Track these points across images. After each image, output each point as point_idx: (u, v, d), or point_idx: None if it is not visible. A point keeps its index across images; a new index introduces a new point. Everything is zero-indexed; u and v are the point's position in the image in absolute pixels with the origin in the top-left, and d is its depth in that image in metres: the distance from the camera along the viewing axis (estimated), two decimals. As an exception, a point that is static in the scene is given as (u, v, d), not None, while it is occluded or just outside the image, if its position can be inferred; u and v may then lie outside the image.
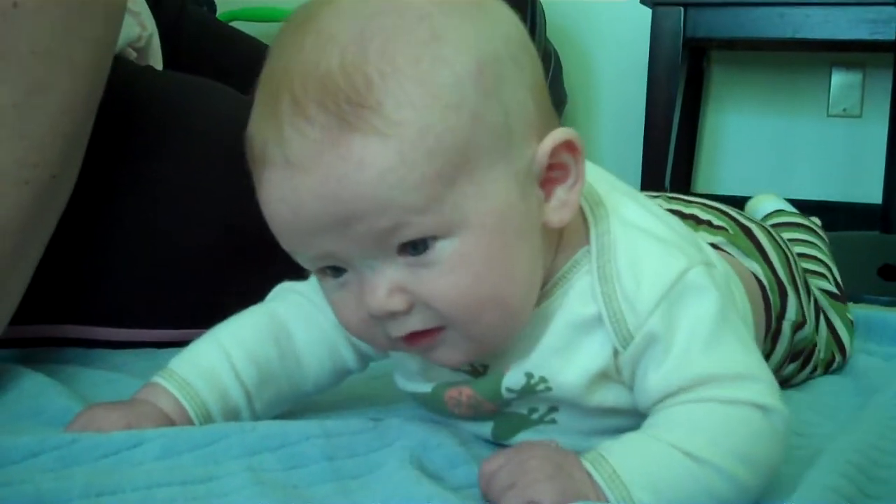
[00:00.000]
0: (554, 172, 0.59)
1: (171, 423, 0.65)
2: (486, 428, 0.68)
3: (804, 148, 2.78)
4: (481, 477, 0.57)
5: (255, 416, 0.69)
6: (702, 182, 2.86)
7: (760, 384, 0.58)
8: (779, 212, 1.21)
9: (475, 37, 0.55)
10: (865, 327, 1.12)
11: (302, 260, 0.59)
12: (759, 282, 0.81)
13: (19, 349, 0.94)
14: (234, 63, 1.28)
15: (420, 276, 0.56)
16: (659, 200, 0.84)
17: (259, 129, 0.55)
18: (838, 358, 0.95)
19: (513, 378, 0.63)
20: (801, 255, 1.03)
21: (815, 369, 0.92)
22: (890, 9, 1.87)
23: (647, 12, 2.47)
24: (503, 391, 0.64)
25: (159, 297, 0.99)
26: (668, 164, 2.50)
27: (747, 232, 0.85)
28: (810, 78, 2.76)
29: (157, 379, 0.67)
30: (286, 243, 0.57)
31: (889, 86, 1.84)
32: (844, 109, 2.74)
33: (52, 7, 0.77)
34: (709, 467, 0.55)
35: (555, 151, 0.58)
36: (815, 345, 0.90)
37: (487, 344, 0.60)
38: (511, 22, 0.59)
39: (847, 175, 2.72)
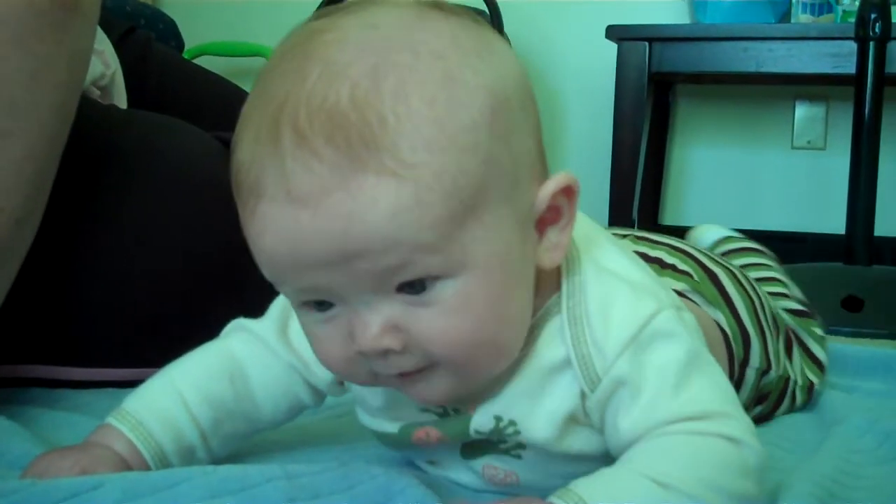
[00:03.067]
0: (547, 214, 0.59)
1: (125, 465, 0.64)
2: (454, 449, 0.67)
3: (769, 180, 2.81)
4: None
5: (211, 454, 0.69)
6: (669, 215, 2.89)
7: (732, 420, 0.58)
8: (727, 238, 1.20)
9: (487, 80, 0.55)
10: (829, 359, 1.13)
11: (286, 291, 0.57)
12: (723, 331, 0.81)
13: (-19, 390, 0.93)
14: (200, 101, 1.29)
15: (417, 316, 0.54)
16: (626, 241, 0.84)
17: (253, 157, 0.53)
18: (817, 381, 0.94)
19: (481, 420, 0.63)
20: (759, 279, 1.03)
21: (793, 400, 0.92)
22: (850, 43, 1.90)
23: (612, 47, 2.49)
24: (471, 432, 0.64)
25: (123, 336, 0.98)
26: (636, 197, 2.52)
27: (713, 277, 0.84)
28: (774, 111, 2.80)
29: (111, 420, 0.67)
30: (273, 275, 0.56)
31: (852, 118, 1.87)
32: (809, 142, 2.78)
33: (16, 54, 0.77)
34: (676, 492, 0.54)
35: (553, 195, 0.58)
36: (787, 379, 0.89)
37: (472, 382, 0.60)
38: (516, 64, 0.59)
39: (811, 206, 2.75)
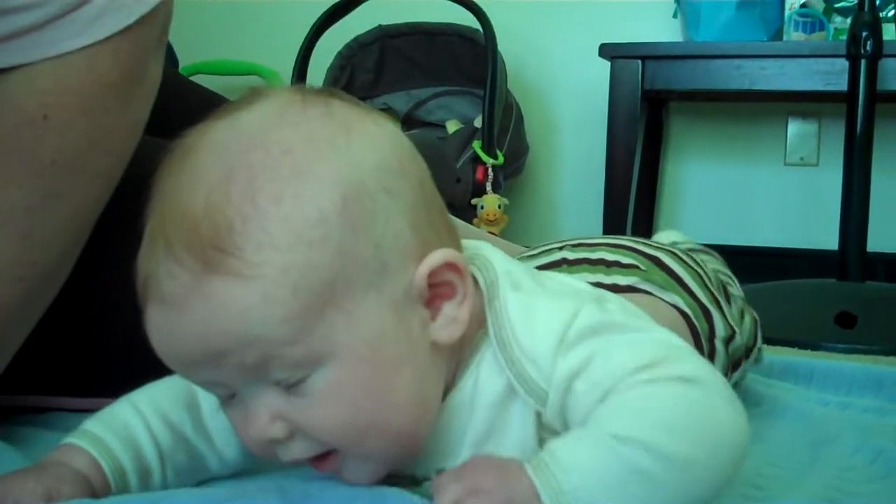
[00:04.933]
0: (440, 289, 0.59)
1: (86, 482, 0.64)
2: None
3: (762, 196, 2.82)
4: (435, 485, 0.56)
5: (166, 481, 0.68)
6: (663, 231, 2.89)
7: (683, 361, 0.58)
8: (673, 244, 1.21)
9: (340, 170, 0.56)
10: (822, 375, 1.13)
11: (191, 382, 0.60)
12: (683, 313, 0.81)
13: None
14: (198, 120, 1.28)
15: (296, 405, 0.56)
16: (564, 252, 0.85)
17: (142, 263, 0.57)
18: (759, 343, 0.95)
19: None
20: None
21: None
22: (842, 61, 1.91)
23: (606, 65, 2.50)
24: None
25: (139, 366, 0.97)
26: (629, 214, 2.52)
27: (658, 262, 0.84)
28: (767, 127, 2.81)
29: (70, 439, 0.66)
30: (173, 369, 0.59)
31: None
32: (801, 158, 2.79)
33: (80, 123, 0.79)
34: (634, 444, 0.53)
35: (435, 272, 0.58)
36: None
37: (386, 464, 0.61)
38: (384, 146, 0.59)
39: (805, 223, 2.76)
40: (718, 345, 0.84)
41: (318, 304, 0.54)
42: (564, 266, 0.84)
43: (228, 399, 0.59)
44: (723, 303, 0.87)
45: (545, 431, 0.62)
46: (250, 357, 0.54)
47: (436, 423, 0.62)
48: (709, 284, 0.86)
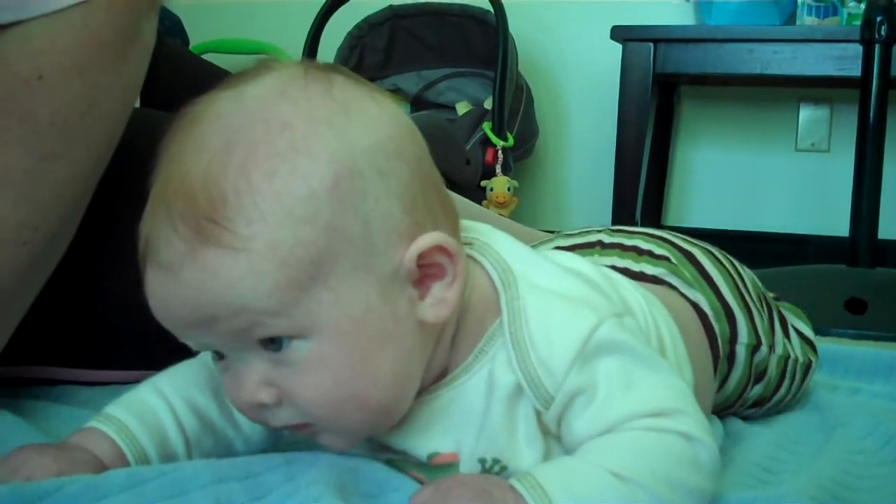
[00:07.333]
0: (431, 270, 0.60)
1: (104, 467, 0.63)
2: None
3: (773, 182, 2.81)
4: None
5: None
6: (672, 215, 2.89)
7: (685, 416, 0.59)
8: None
9: (334, 149, 0.57)
10: (831, 361, 1.13)
11: (187, 343, 0.61)
12: (702, 312, 0.81)
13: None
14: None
15: (283, 373, 0.58)
16: (601, 235, 0.86)
17: (145, 227, 0.59)
18: (814, 360, 0.94)
19: (466, 468, 0.64)
20: None
21: (793, 380, 0.91)
22: (855, 45, 1.90)
23: (617, 48, 2.49)
24: None
25: (146, 339, 0.97)
26: (639, 198, 2.52)
27: (690, 258, 0.84)
28: (779, 113, 2.80)
29: (94, 423, 0.66)
30: (170, 331, 0.60)
31: (856, 121, 1.87)
32: (813, 144, 2.78)
33: (75, 82, 0.79)
34: (632, 485, 0.55)
35: (425, 255, 0.59)
36: (787, 358, 0.89)
37: (359, 437, 0.63)
38: (381, 127, 0.60)
39: (815, 209, 2.75)
40: (740, 350, 0.83)
41: (304, 279, 0.56)
42: (598, 248, 0.84)
43: (221, 360, 0.61)
44: (755, 311, 0.86)
45: (544, 430, 0.63)
46: (238, 324, 0.56)
47: (439, 400, 0.63)
48: (741, 288, 0.86)
